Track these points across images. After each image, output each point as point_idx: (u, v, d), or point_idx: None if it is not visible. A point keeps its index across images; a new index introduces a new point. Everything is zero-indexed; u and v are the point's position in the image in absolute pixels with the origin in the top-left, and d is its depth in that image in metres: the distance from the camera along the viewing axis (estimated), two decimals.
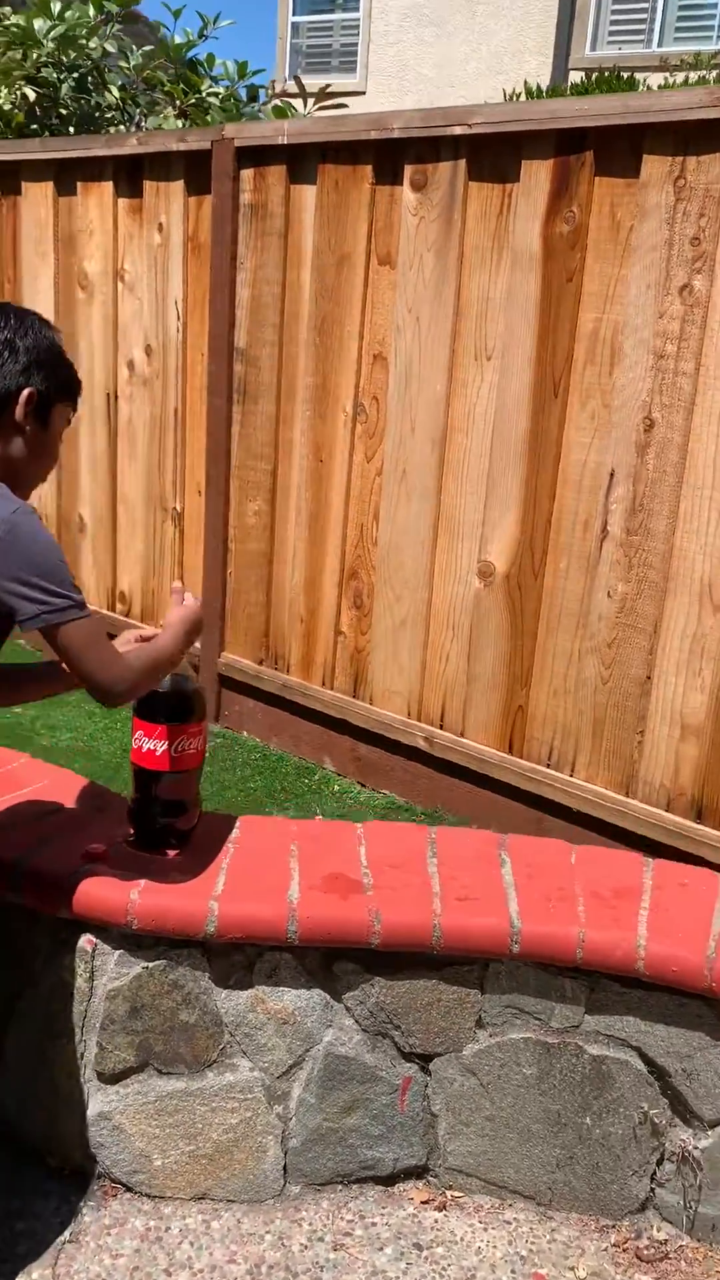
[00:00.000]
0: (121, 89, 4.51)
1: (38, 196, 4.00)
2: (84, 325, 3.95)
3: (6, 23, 4.30)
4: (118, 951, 1.73)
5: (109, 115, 4.53)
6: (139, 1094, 1.77)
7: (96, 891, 1.69)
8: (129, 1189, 1.81)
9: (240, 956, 1.73)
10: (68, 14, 4.29)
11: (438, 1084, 1.79)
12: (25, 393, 1.52)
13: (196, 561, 3.74)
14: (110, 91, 4.42)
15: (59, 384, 1.58)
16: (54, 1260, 1.66)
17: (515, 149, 2.75)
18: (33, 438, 1.56)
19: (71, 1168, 1.82)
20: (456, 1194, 1.83)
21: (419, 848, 1.89)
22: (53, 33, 4.04)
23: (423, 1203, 1.81)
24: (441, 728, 3.17)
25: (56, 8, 4.07)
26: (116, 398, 3.90)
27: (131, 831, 1.83)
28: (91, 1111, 1.79)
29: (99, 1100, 1.78)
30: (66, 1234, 1.71)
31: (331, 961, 1.74)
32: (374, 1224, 1.77)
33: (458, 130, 2.83)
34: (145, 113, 4.49)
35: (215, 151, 3.38)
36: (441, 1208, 1.81)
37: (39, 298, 4.09)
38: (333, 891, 1.73)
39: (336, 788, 3.41)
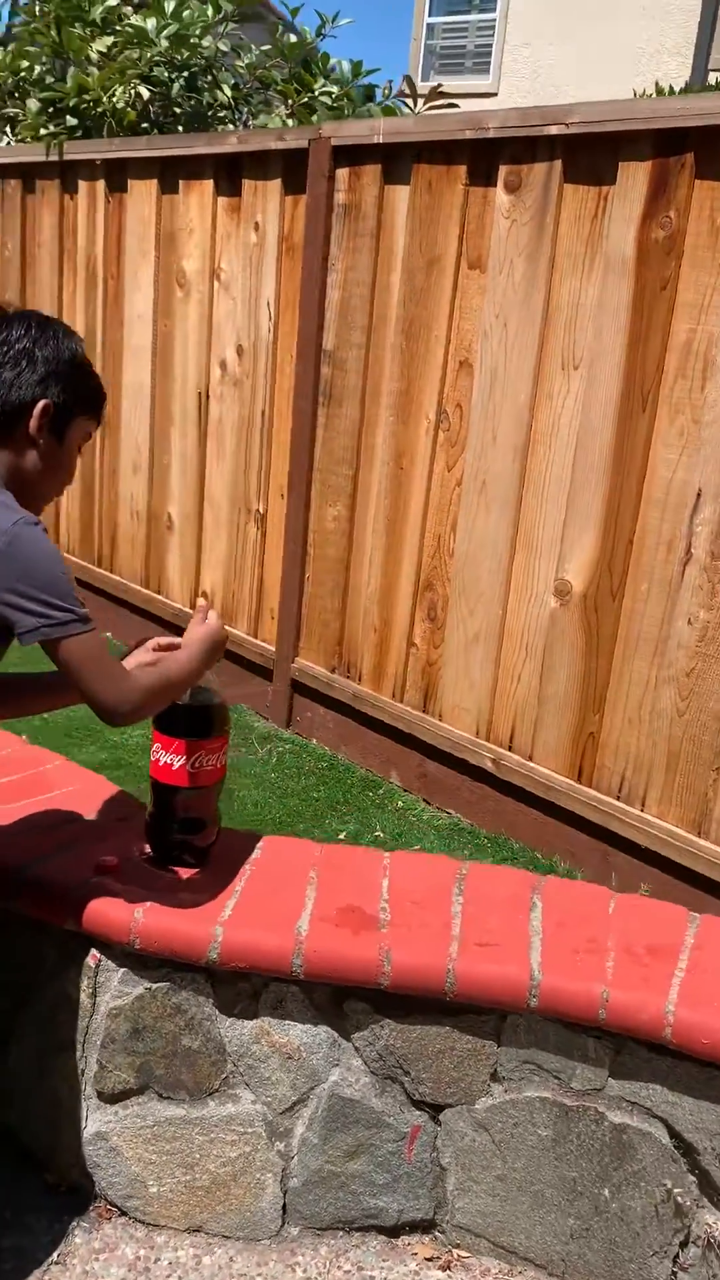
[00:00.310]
0: (234, 88, 4.50)
1: (142, 194, 4.02)
2: (180, 324, 3.95)
3: (125, 23, 4.34)
4: (121, 969, 1.68)
5: (220, 114, 4.53)
6: (138, 1116, 1.72)
7: (101, 907, 1.64)
8: (124, 1213, 1.76)
9: (246, 985, 1.66)
10: (185, 13, 4.30)
11: (447, 1136, 1.69)
12: (41, 405, 1.48)
13: (276, 564, 3.69)
14: (222, 90, 4.41)
15: (78, 397, 1.53)
16: None
17: (613, 150, 2.62)
18: (47, 451, 1.51)
19: (68, 1184, 1.79)
20: (463, 1254, 1.72)
21: (446, 884, 1.79)
22: (165, 32, 4.05)
23: (426, 1259, 1.72)
24: (510, 749, 3.05)
25: (170, 6, 4.08)
26: (208, 397, 3.88)
27: (147, 846, 1.78)
28: (89, 1130, 1.74)
29: (97, 1119, 1.74)
30: (55, 1255, 1.67)
31: (341, 999, 1.66)
32: (372, 1277, 1.68)
33: (554, 130, 2.71)
34: (254, 112, 4.48)
35: (312, 150, 3.33)
36: (446, 1267, 1.71)
37: (139, 295, 4.11)
38: (345, 925, 1.65)
39: (400, 804, 3.32)
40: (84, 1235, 1.72)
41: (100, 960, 1.69)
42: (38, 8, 4.45)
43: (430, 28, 10.94)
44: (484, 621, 3.07)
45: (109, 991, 1.69)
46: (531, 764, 3.00)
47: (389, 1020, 1.65)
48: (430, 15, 10.93)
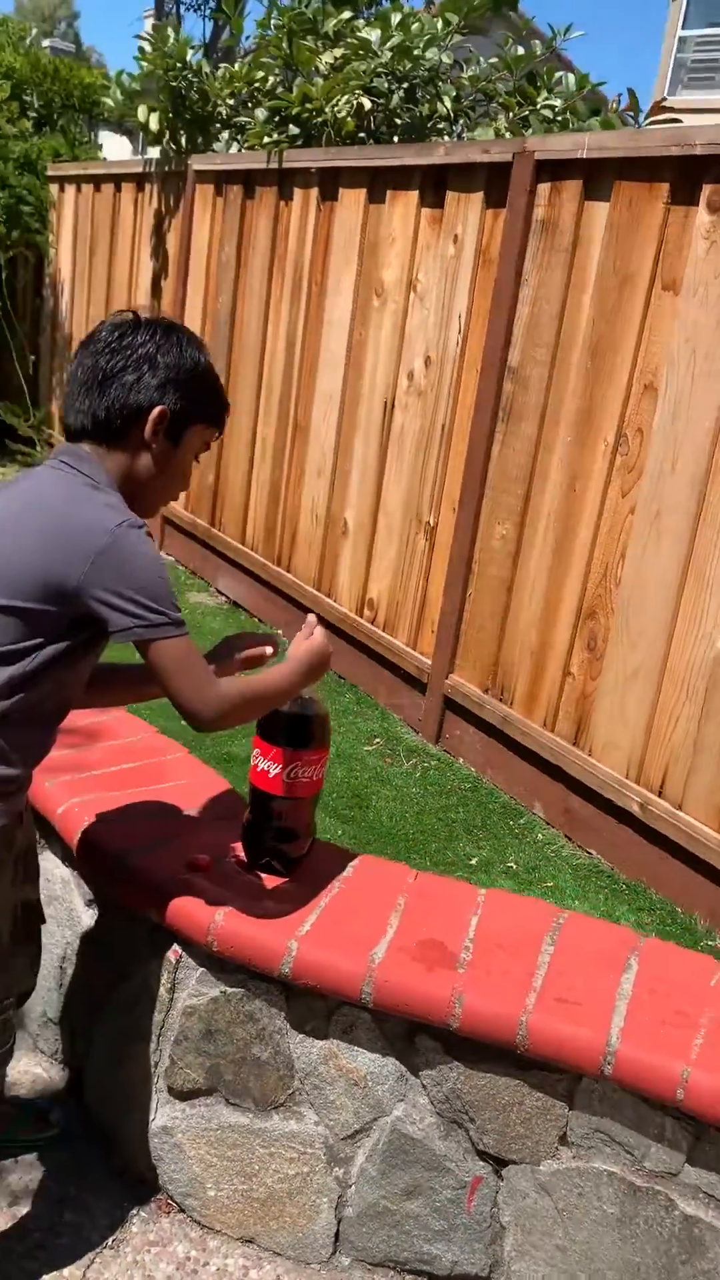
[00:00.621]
0: (455, 100, 4.49)
1: (351, 203, 4.06)
2: (374, 333, 3.98)
3: (352, 35, 4.41)
4: (200, 969, 1.69)
5: (439, 126, 4.52)
6: (204, 1118, 1.73)
7: (185, 904, 1.66)
8: (182, 1210, 1.77)
9: (320, 1004, 1.64)
10: (414, 25, 4.33)
11: (509, 1194, 1.61)
12: (157, 410, 1.50)
13: (440, 578, 3.66)
14: (442, 102, 4.41)
15: (196, 404, 1.54)
16: (88, 1263, 1.65)
17: None
18: (161, 456, 1.53)
19: (134, 1173, 1.81)
20: None
21: (538, 931, 1.71)
22: (388, 44, 4.09)
23: None
24: (660, 795, 2.91)
25: (396, 19, 4.11)
26: (393, 407, 3.89)
27: (241, 848, 1.79)
28: (157, 1122, 1.77)
29: (166, 1113, 1.76)
30: (109, 1240, 1.70)
31: (412, 1034, 1.61)
32: None
33: None
34: (472, 125, 4.45)
35: (515, 164, 3.28)
36: None
37: (339, 301, 4.16)
38: (421, 960, 1.60)
39: (540, 836, 3.22)
40: (141, 1225, 1.74)
41: (181, 956, 1.70)
42: (273, 21, 4.58)
43: (682, 40, 10.61)
44: (645, 657, 2.93)
45: (187, 989, 1.70)
46: (680, 813, 2.84)
47: (458, 1063, 1.59)
48: (684, 28, 10.60)
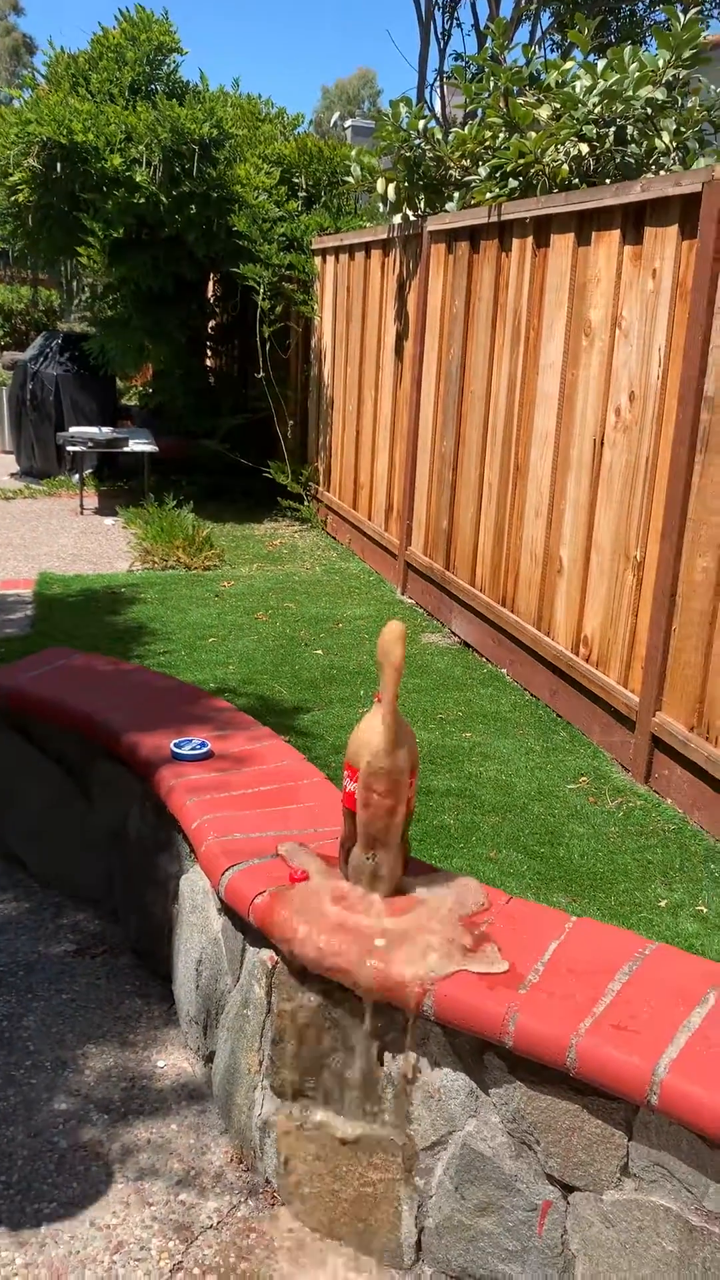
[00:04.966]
0: (676, 133, 4.44)
1: (561, 248, 4.14)
2: (584, 372, 4.01)
3: (562, 91, 4.49)
4: (290, 976, 1.82)
5: (660, 161, 4.49)
6: (299, 1118, 1.84)
7: (274, 914, 1.79)
8: (286, 1204, 1.89)
9: (399, 1015, 1.72)
10: (632, 65, 4.35)
11: (575, 1221, 1.60)
12: None
13: (647, 615, 3.60)
14: (660, 138, 4.38)
15: None
16: (191, 1239, 1.81)
17: None
18: None
19: (246, 1162, 1.95)
20: None
21: (617, 960, 1.70)
22: (594, 91, 4.14)
23: None
24: None
25: (601, 65, 4.16)
26: (601, 444, 3.89)
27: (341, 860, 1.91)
28: (259, 1117, 1.90)
29: (267, 1109, 1.89)
30: (214, 1221, 1.85)
31: (481, 1050, 1.65)
32: None
33: None
34: (694, 156, 4.38)
35: (705, 193, 3.24)
36: None
37: (552, 345, 4.23)
38: (486, 978, 1.64)
39: None
40: (246, 1211, 1.87)
41: (277, 963, 1.84)
42: (491, 82, 4.74)
43: None
44: None
45: (281, 994, 1.83)
46: None
47: (520, 1083, 1.61)
48: None
